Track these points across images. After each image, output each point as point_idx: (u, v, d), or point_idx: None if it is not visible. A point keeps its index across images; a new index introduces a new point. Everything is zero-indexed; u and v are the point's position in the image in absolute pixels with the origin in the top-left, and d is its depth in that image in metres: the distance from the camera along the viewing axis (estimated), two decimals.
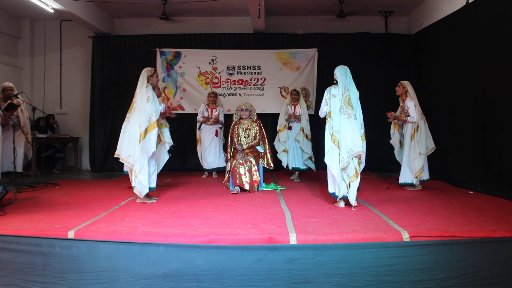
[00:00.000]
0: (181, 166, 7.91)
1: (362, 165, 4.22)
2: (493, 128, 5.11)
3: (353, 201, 4.12)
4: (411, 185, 5.30)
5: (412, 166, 5.21)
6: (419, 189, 5.26)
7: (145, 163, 4.34)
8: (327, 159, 4.15)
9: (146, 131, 4.33)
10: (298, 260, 2.80)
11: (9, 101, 5.80)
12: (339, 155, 4.10)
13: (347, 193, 4.15)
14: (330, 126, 4.18)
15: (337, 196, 4.18)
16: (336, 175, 4.11)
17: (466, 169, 5.67)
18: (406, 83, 5.39)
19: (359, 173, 4.14)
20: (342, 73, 4.29)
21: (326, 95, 4.32)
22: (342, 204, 4.23)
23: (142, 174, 4.34)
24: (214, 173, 6.91)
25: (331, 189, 4.24)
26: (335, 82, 4.34)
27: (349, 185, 4.12)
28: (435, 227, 3.25)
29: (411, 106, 5.17)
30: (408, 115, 5.19)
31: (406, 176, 5.33)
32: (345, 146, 4.08)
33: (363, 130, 4.21)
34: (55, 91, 8.49)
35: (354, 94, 4.25)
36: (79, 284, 2.84)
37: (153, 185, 4.51)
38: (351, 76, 4.31)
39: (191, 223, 3.50)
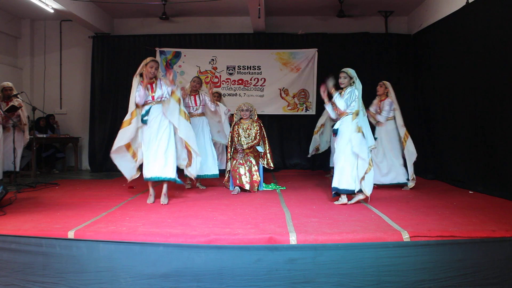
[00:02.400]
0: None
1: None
2: (493, 128, 5.11)
3: (369, 192, 4.28)
4: (405, 184, 5.36)
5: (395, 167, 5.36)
6: (413, 186, 5.33)
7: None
8: (358, 149, 4.28)
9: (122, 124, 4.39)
10: (298, 260, 2.80)
11: (11, 103, 5.81)
12: (366, 147, 4.33)
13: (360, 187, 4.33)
14: (356, 122, 4.32)
15: (354, 190, 4.32)
16: (361, 164, 4.30)
17: (466, 169, 5.67)
18: (388, 84, 5.48)
19: (372, 163, 4.39)
20: (355, 75, 4.44)
21: (357, 94, 4.35)
22: (345, 199, 4.35)
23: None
24: None
25: (350, 185, 4.30)
26: (352, 83, 4.42)
27: (364, 177, 4.28)
28: (435, 227, 3.25)
29: (388, 107, 5.36)
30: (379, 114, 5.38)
31: (401, 176, 5.39)
32: (368, 139, 4.36)
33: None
34: (55, 91, 8.48)
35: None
36: (79, 284, 2.84)
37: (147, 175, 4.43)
38: None
39: (191, 223, 3.50)
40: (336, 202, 4.38)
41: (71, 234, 3.16)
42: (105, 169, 8.04)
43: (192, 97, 5.58)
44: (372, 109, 5.52)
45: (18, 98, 5.94)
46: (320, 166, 7.66)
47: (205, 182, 5.77)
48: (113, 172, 7.80)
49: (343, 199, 4.35)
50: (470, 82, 5.57)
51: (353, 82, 4.41)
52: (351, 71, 4.44)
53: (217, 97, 6.55)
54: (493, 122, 5.11)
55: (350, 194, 4.37)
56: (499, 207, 4.14)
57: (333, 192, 4.41)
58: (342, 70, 4.50)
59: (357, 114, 4.30)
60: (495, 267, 2.82)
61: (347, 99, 4.34)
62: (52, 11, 6.81)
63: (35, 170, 6.55)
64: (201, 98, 5.58)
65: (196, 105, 5.55)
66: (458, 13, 5.86)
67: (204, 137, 5.54)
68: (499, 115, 4.96)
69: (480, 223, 3.39)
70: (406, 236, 3.04)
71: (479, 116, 5.39)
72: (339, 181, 4.31)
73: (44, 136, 7.42)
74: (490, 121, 5.16)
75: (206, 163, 5.45)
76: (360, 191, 4.33)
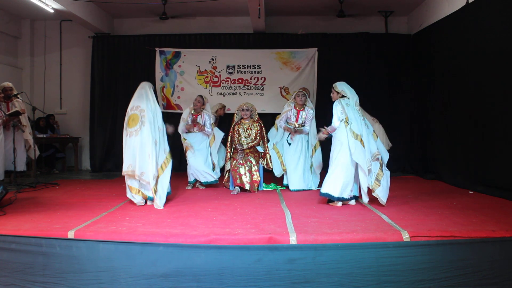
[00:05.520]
0: (179, 166, 7.87)
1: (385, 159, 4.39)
2: (492, 128, 5.11)
3: (384, 199, 4.20)
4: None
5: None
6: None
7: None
8: (356, 157, 4.16)
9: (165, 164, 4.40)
10: (298, 260, 2.80)
11: (13, 107, 5.83)
12: (365, 154, 4.17)
13: (351, 195, 4.30)
14: (350, 129, 4.22)
15: (343, 198, 4.26)
16: (361, 173, 4.20)
17: (466, 169, 5.67)
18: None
19: (382, 169, 4.26)
20: (348, 87, 4.46)
21: (339, 106, 4.33)
22: (339, 203, 4.30)
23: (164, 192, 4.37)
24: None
25: (335, 191, 4.24)
26: (340, 96, 4.43)
27: (379, 183, 4.20)
28: (435, 227, 3.25)
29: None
30: None
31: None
32: (367, 147, 4.21)
33: (372, 129, 4.46)
34: (55, 91, 8.48)
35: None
36: (79, 284, 2.84)
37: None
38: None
39: (191, 223, 3.50)
40: (330, 203, 4.39)
41: (71, 234, 3.16)
42: (105, 169, 8.05)
43: (193, 117, 5.63)
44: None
45: (18, 98, 5.94)
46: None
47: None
48: (113, 172, 7.81)
49: (338, 203, 4.33)
50: (470, 82, 5.56)
51: (342, 96, 4.42)
52: (338, 85, 4.48)
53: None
54: (493, 122, 5.10)
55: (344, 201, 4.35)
56: (499, 207, 4.14)
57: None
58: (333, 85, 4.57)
59: (347, 121, 4.26)
60: (495, 267, 2.83)
61: (335, 113, 4.33)
62: (52, 11, 6.81)
63: (35, 170, 6.55)
64: (202, 119, 5.62)
65: (195, 126, 5.61)
66: (458, 13, 5.86)
67: (201, 146, 5.60)
68: (499, 115, 4.96)
69: (480, 223, 3.39)
70: (406, 236, 3.05)
71: (479, 116, 5.39)
72: (334, 188, 4.27)
73: (44, 136, 7.43)
74: (490, 121, 5.16)
75: (206, 170, 5.52)
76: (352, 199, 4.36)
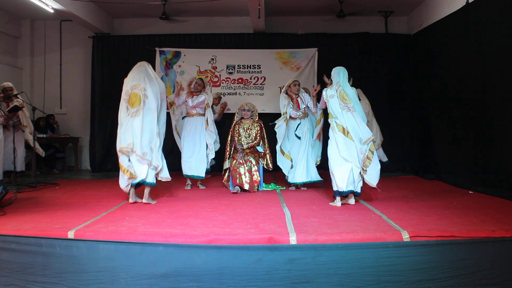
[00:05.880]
0: (179, 165, 7.88)
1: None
2: (492, 127, 5.11)
3: (374, 183, 4.17)
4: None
5: None
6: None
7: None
8: (344, 154, 4.17)
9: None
10: (298, 260, 2.80)
11: (15, 104, 5.83)
12: (356, 147, 4.16)
13: (355, 188, 4.24)
14: (336, 124, 4.25)
15: (345, 192, 4.23)
16: (354, 168, 4.18)
17: (466, 169, 5.67)
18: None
19: (372, 156, 4.20)
20: (335, 72, 4.46)
21: (324, 95, 4.46)
22: (339, 203, 4.26)
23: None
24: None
25: (343, 186, 4.22)
26: (330, 82, 4.48)
27: (366, 170, 4.18)
28: (435, 227, 3.25)
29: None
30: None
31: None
32: (357, 137, 4.18)
33: (366, 120, 4.38)
34: (55, 91, 8.49)
35: (349, 90, 4.39)
36: (79, 284, 2.84)
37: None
38: (346, 76, 4.46)
39: (191, 223, 3.50)
40: (330, 203, 4.38)
41: (71, 234, 3.15)
42: (105, 169, 8.05)
43: (190, 97, 5.53)
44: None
45: (18, 98, 5.95)
46: (321, 166, 7.66)
47: (205, 182, 5.76)
48: (113, 172, 7.81)
49: (337, 202, 4.30)
50: (470, 82, 5.57)
51: (331, 81, 4.45)
52: (333, 71, 4.50)
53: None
54: (493, 121, 5.11)
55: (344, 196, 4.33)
56: (499, 207, 4.14)
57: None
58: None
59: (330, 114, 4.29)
60: (495, 267, 2.83)
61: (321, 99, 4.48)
62: (52, 11, 6.81)
63: (35, 170, 6.55)
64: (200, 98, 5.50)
65: (190, 104, 5.53)
66: (458, 13, 5.86)
67: (194, 137, 5.51)
68: (499, 115, 4.97)
69: (480, 223, 3.39)
70: (406, 236, 3.04)
71: (478, 115, 5.39)
72: (341, 183, 4.27)
73: (44, 136, 7.43)
74: (490, 121, 5.16)
75: (195, 163, 5.49)
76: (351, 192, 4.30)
